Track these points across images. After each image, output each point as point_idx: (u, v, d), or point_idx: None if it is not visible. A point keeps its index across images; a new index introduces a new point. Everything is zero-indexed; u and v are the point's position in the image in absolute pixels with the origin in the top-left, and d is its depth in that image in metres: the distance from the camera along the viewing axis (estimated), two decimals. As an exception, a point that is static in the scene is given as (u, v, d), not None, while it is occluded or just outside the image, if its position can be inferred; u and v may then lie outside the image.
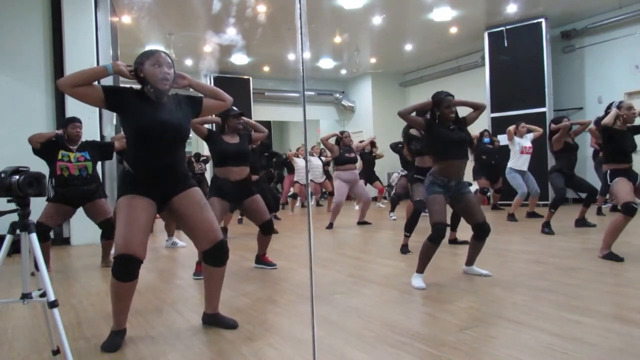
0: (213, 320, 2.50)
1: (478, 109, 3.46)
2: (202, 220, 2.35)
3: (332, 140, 6.82)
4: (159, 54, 2.28)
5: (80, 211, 4.36)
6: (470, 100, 3.52)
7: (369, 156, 9.03)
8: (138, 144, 2.27)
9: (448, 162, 3.21)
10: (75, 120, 4.28)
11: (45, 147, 4.10)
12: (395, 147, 6.98)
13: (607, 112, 4.00)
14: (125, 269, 2.18)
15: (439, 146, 3.25)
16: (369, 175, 8.94)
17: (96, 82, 2.22)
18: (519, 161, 6.58)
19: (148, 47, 2.38)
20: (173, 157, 2.33)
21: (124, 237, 2.17)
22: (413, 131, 4.44)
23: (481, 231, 3.27)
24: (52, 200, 4.12)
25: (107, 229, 4.34)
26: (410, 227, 4.50)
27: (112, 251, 4.62)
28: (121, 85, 2.48)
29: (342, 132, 6.91)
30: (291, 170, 10.04)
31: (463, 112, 3.37)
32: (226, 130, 3.88)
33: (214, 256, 2.39)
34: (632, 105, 3.92)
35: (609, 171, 3.89)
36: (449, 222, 4.51)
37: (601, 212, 6.87)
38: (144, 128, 2.23)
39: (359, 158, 7.90)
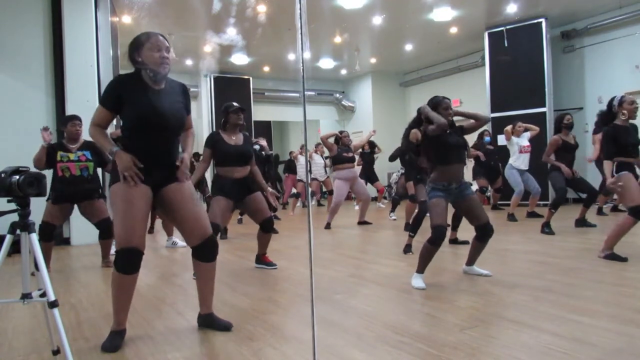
0: (208, 321, 2.47)
1: (479, 120, 3.38)
2: (191, 214, 2.33)
3: (332, 139, 6.83)
4: (157, 38, 2.24)
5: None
6: (474, 112, 3.42)
7: (369, 156, 9.03)
8: (135, 131, 2.25)
9: (445, 167, 3.21)
10: (75, 119, 4.28)
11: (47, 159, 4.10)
12: (401, 157, 6.88)
13: (608, 108, 3.96)
14: (127, 262, 2.18)
15: (436, 151, 3.25)
16: (369, 175, 8.94)
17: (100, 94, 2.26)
18: (518, 160, 6.61)
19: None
20: (168, 145, 2.31)
21: (125, 230, 2.16)
22: (413, 137, 4.40)
23: (484, 232, 3.27)
24: (53, 201, 4.11)
25: (105, 229, 4.34)
26: (414, 227, 4.48)
27: (112, 251, 4.66)
28: (121, 73, 2.45)
29: (341, 132, 6.90)
30: (293, 170, 10.04)
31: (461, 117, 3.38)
32: (227, 126, 3.88)
33: (202, 252, 2.38)
34: (634, 100, 3.89)
35: (616, 163, 3.80)
36: (449, 222, 4.52)
37: (602, 212, 6.86)
38: (142, 116, 2.20)
39: (357, 157, 7.86)
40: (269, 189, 4.04)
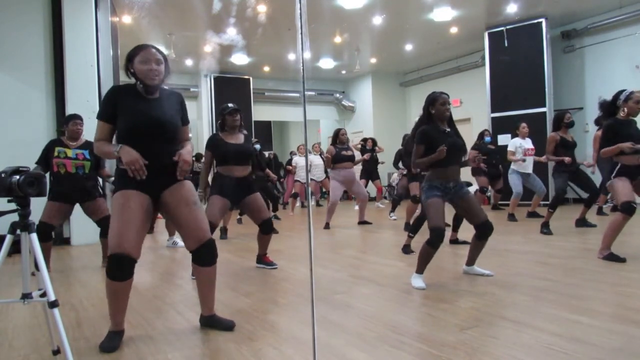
0: (210, 322, 2.47)
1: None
2: (190, 218, 2.31)
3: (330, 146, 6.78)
4: (148, 50, 2.25)
5: (80, 211, 4.36)
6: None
7: (371, 154, 9.01)
8: (128, 140, 2.24)
9: (442, 169, 3.20)
10: (76, 118, 4.29)
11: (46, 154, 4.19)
12: (403, 158, 6.89)
13: (613, 99, 3.93)
14: (118, 268, 2.16)
15: (433, 153, 3.21)
16: (370, 173, 8.91)
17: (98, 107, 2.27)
18: (522, 164, 6.58)
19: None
20: (163, 152, 2.29)
21: (117, 236, 2.15)
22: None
23: (484, 230, 3.25)
24: (51, 199, 4.12)
25: (106, 226, 4.32)
26: (415, 228, 4.48)
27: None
28: (114, 85, 2.46)
29: (339, 130, 6.83)
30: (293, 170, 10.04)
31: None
32: (225, 128, 3.88)
33: (201, 255, 2.37)
34: None
35: (619, 165, 3.78)
36: (449, 222, 4.52)
37: (602, 212, 6.86)
38: (134, 125, 2.22)
39: (358, 156, 7.83)
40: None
